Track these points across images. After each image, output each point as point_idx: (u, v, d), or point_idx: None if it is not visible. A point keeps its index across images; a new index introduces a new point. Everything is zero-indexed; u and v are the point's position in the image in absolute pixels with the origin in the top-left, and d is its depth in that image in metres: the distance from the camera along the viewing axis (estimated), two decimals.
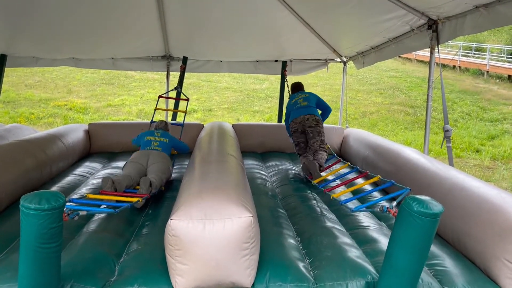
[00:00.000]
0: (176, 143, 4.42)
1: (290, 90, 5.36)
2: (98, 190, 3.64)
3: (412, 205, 1.87)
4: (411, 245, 1.90)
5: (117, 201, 3.16)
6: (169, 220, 2.08)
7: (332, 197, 3.30)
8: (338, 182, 4.18)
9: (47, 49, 6.07)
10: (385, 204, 2.33)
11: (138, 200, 3.17)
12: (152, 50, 6.42)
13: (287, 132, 4.96)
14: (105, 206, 2.97)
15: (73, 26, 5.31)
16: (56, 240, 1.85)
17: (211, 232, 2.02)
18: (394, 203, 2.31)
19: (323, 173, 4.51)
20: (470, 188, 2.81)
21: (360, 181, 4.26)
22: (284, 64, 6.75)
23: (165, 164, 3.92)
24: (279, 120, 7.25)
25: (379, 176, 3.44)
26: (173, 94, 6.21)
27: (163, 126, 4.51)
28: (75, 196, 3.59)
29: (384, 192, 3.96)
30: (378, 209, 2.43)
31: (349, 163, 4.29)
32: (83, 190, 3.81)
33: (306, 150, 4.58)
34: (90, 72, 17.00)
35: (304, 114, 4.55)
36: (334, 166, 4.76)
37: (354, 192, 3.92)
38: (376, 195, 3.83)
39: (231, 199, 2.19)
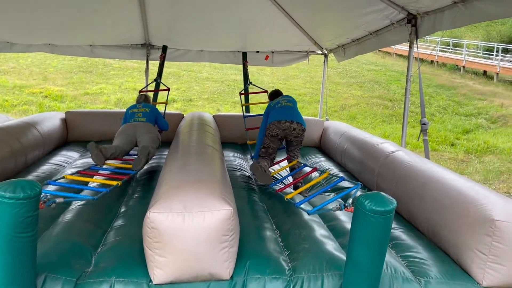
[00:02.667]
0: (159, 117, 4.56)
1: (249, 81, 5.16)
2: (76, 181, 3.57)
3: (364, 204, 1.90)
4: (369, 242, 1.93)
5: (96, 185, 3.17)
6: (148, 213, 2.06)
7: (286, 199, 3.27)
8: (290, 179, 4.14)
9: (22, 34, 5.88)
10: (341, 202, 2.36)
11: (118, 184, 3.19)
12: (132, 38, 6.29)
13: (259, 136, 4.29)
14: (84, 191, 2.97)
15: (49, 10, 5.14)
16: (32, 229, 1.82)
17: (190, 225, 2.01)
18: (350, 200, 2.35)
19: (272, 170, 4.35)
20: (445, 181, 2.88)
21: (312, 177, 4.25)
22: (244, 55, 6.71)
23: (154, 134, 4.18)
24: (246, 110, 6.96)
25: (328, 172, 3.47)
26: (152, 85, 6.13)
27: (143, 99, 4.69)
28: (53, 178, 3.52)
29: (337, 188, 3.91)
30: (335, 208, 2.46)
31: (297, 160, 4.11)
32: (57, 177, 3.76)
33: (270, 157, 4.01)
34: (67, 59, 16.57)
35: (290, 119, 3.94)
36: (282, 162, 4.66)
37: (307, 191, 3.85)
38: (329, 194, 3.81)
39: (211, 192, 2.19)
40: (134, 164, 3.73)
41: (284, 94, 4.52)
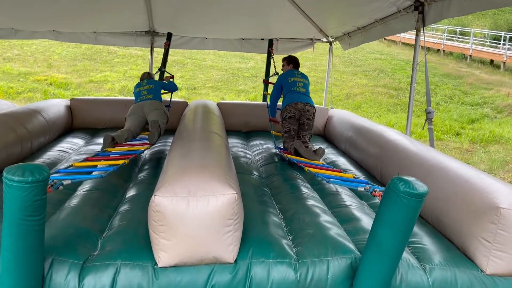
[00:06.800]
0: (165, 85, 4.77)
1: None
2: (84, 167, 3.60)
3: (398, 185, 1.90)
4: (396, 224, 1.94)
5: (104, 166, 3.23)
6: (153, 196, 2.07)
7: (307, 170, 3.35)
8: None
9: (26, 20, 5.87)
10: (371, 185, 2.38)
11: (125, 162, 3.26)
12: (136, 24, 6.27)
13: (270, 109, 4.67)
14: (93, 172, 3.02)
15: None
16: (40, 213, 1.83)
17: (195, 209, 2.03)
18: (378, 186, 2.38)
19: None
20: (449, 169, 2.87)
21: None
22: (270, 42, 6.66)
23: (161, 110, 4.37)
24: (264, 99, 7.17)
25: (353, 176, 3.51)
26: (157, 76, 6.11)
27: (146, 76, 4.86)
28: (62, 167, 3.55)
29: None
30: (364, 189, 2.49)
31: (322, 161, 4.29)
32: (66, 165, 3.77)
33: (294, 138, 4.30)
34: (71, 46, 16.56)
35: (305, 102, 4.24)
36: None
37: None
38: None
39: (215, 176, 2.20)
40: (149, 139, 4.01)
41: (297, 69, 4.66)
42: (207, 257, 2.11)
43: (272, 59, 6.44)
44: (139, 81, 4.87)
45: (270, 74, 5.68)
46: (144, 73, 4.93)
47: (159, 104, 4.45)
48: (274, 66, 5.90)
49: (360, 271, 2.13)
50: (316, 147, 4.14)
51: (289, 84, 4.39)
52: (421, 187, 1.91)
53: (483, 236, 2.31)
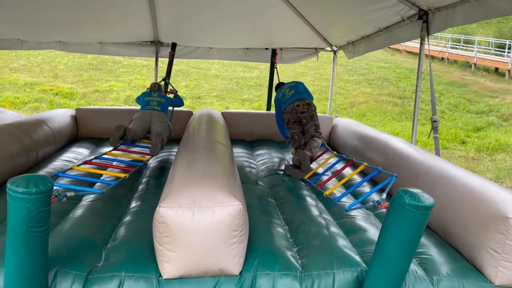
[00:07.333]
0: (172, 101, 4.95)
1: (275, 88, 5.29)
2: (85, 174, 3.64)
3: (404, 198, 1.87)
4: (402, 237, 1.91)
5: (106, 177, 3.28)
6: (158, 207, 2.06)
7: (326, 195, 3.31)
8: (329, 174, 4.20)
9: (32, 31, 5.93)
10: (375, 198, 2.36)
11: (125, 176, 3.31)
12: (141, 35, 6.31)
13: (280, 127, 4.90)
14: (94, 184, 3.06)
15: (59, 8, 5.18)
16: (44, 224, 1.83)
17: (200, 220, 2.01)
18: (384, 196, 2.35)
19: (313, 165, 4.52)
20: (456, 178, 2.84)
21: (348, 170, 4.28)
22: (274, 51, 6.69)
23: (166, 124, 4.51)
24: (268, 108, 7.22)
25: (365, 163, 3.49)
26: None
27: (157, 88, 4.99)
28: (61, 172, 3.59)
29: (372, 181, 3.98)
30: (371, 204, 2.48)
31: (335, 152, 4.29)
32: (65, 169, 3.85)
33: (301, 141, 4.36)
34: (77, 56, 16.70)
35: (293, 101, 4.42)
36: (322, 156, 4.76)
37: (344, 185, 3.90)
38: (365, 185, 3.86)
39: (220, 187, 2.18)
40: (151, 150, 4.05)
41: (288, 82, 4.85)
42: (212, 269, 2.09)
43: (275, 68, 6.45)
44: (147, 90, 4.98)
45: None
46: (154, 84, 5.04)
47: (165, 118, 4.58)
48: (278, 76, 5.93)
49: (366, 284, 2.10)
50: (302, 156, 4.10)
51: (282, 98, 4.62)
52: (427, 199, 1.88)
53: (491, 247, 2.28)
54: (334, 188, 3.46)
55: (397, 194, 1.93)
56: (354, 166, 4.39)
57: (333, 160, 4.58)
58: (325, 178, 4.04)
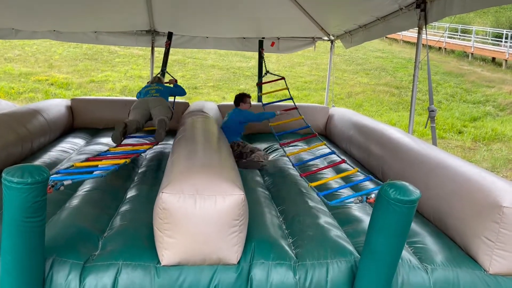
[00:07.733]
0: (173, 89, 4.88)
1: (266, 70, 5.31)
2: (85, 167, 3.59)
3: (389, 192, 1.87)
4: (389, 231, 1.92)
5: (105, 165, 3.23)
6: (160, 193, 2.07)
7: (310, 186, 3.23)
8: (318, 164, 4.10)
9: (26, 20, 5.86)
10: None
11: (126, 161, 3.25)
12: (137, 24, 6.25)
13: (267, 116, 4.69)
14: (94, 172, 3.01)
15: None
16: (40, 214, 1.83)
17: (201, 208, 2.02)
18: (373, 194, 2.35)
19: (296, 148, 4.51)
20: (452, 167, 2.85)
21: (338, 167, 4.18)
22: (261, 42, 6.60)
23: (166, 105, 4.41)
24: (259, 100, 7.04)
25: (357, 169, 3.44)
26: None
27: (156, 80, 4.94)
28: (62, 167, 3.52)
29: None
30: (357, 200, 2.47)
31: (325, 142, 4.17)
32: (66, 165, 3.76)
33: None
34: (72, 46, 16.54)
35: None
36: (307, 140, 4.67)
37: (331, 183, 3.75)
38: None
39: (223, 177, 2.20)
40: (156, 137, 4.02)
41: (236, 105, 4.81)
42: (211, 257, 2.10)
43: (262, 59, 6.39)
44: (147, 84, 4.93)
45: (262, 75, 5.83)
46: (154, 77, 5.06)
47: (164, 100, 4.48)
48: (265, 66, 5.92)
49: (358, 276, 2.12)
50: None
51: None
52: (413, 193, 1.87)
53: (486, 235, 2.29)
54: (320, 182, 3.32)
55: (382, 188, 1.93)
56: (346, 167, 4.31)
57: (324, 150, 4.48)
58: (313, 168, 3.94)
